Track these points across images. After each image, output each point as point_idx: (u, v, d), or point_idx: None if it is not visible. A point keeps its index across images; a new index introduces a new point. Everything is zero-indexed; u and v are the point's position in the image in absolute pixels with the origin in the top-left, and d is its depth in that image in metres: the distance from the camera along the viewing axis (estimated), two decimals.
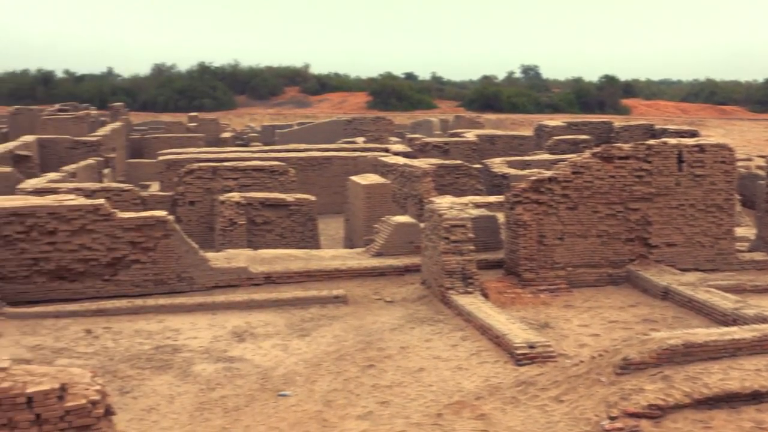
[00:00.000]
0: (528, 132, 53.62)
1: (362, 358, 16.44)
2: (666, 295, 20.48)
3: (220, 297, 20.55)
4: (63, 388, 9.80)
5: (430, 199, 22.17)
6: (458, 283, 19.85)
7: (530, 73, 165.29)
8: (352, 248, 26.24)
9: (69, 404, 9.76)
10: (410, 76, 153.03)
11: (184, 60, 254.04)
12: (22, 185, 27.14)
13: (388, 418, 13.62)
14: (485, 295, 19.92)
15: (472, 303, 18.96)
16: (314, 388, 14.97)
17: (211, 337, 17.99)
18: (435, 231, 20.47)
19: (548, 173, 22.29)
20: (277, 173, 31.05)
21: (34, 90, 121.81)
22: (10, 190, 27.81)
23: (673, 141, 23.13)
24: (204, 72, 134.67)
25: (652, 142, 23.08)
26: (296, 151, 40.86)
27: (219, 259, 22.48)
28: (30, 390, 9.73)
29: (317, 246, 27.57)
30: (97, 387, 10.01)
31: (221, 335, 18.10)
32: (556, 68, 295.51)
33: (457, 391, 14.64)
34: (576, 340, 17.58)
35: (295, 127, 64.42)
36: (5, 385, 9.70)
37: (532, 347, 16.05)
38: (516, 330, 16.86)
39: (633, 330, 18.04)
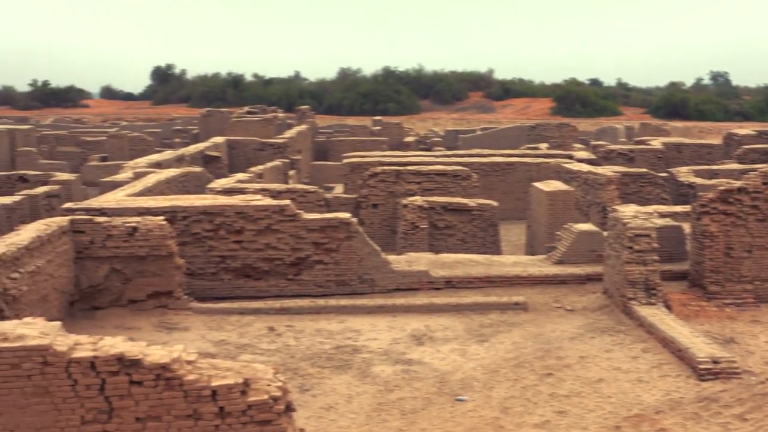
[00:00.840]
0: (716, 140, 51.98)
1: (541, 366, 16.25)
2: None
3: (400, 300, 20.65)
4: (246, 383, 10.02)
5: (614, 207, 21.72)
6: (641, 294, 19.40)
7: (719, 79, 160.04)
8: (533, 255, 25.96)
9: (251, 399, 9.97)
10: (595, 82, 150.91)
11: (369, 64, 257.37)
12: (211, 185, 27.88)
13: (565, 428, 13.42)
14: (668, 307, 19.39)
15: (654, 314, 18.49)
16: (491, 394, 14.88)
17: (391, 339, 18.09)
18: (618, 240, 20.06)
19: (737, 183, 21.50)
20: (459, 178, 31.03)
21: (224, 93, 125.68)
22: (201, 189, 28.65)
23: None
24: (389, 76, 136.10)
25: None
26: (479, 156, 40.73)
27: (400, 262, 22.60)
28: (215, 383, 9.99)
29: (498, 252, 27.41)
30: (279, 383, 10.19)
31: (400, 338, 18.19)
32: (746, 74, 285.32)
33: (636, 404, 14.31)
34: (762, 357, 16.90)
35: (479, 132, 64.39)
36: (191, 377, 9.98)
37: (716, 362, 15.54)
38: (699, 344, 16.34)
39: None
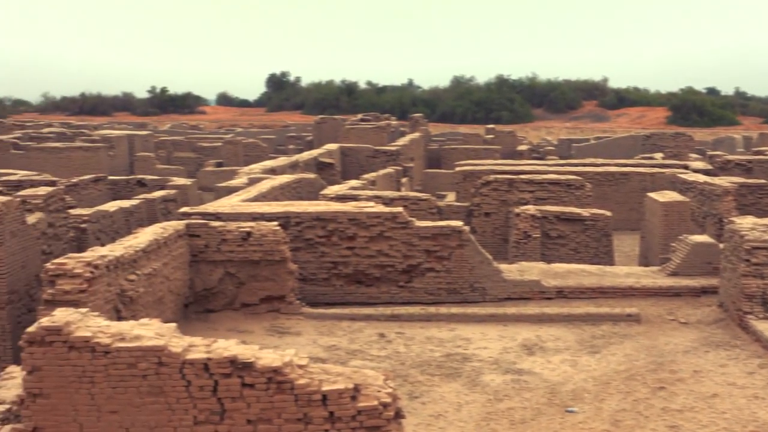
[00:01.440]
0: None
1: (653, 380, 15.96)
2: None
3: (511, 309, 20.53)
4: (356, 389, 10.06)
5: (731, 219, 21.25)
6: (758, 308, 18.92)
7: None
8: (647, 266, 25.55)
9: (361, 404, 10.00)
10: (712, 91, 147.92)
11: (482, 72, 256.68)
12: (325, 191, 28.08)
13: None
14: None
15: None
16: (602, 406, 14.68)
17: (501, 348, 17.99)
18: (735, 252, 19.61)
19: None
20: (573, 187, 30.74)
21: (338, 100, 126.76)
22: (314, 195, 28.91)
23: None
24: (502, 84, 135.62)
25: None
26: (593, 165, 40.28)
27: (512, 271, 22.47)
28: (325, 388, 10.05)
29: (611, 262, 27.06)
30: (389, 390, 10.21)
31: (511, 347, 18.07)
32: None
33: (752, 421, 13.95)
34: None
35: (592, 142, 63.69)
36: (303, 381, 10.07)
37: None
38: None
39: None
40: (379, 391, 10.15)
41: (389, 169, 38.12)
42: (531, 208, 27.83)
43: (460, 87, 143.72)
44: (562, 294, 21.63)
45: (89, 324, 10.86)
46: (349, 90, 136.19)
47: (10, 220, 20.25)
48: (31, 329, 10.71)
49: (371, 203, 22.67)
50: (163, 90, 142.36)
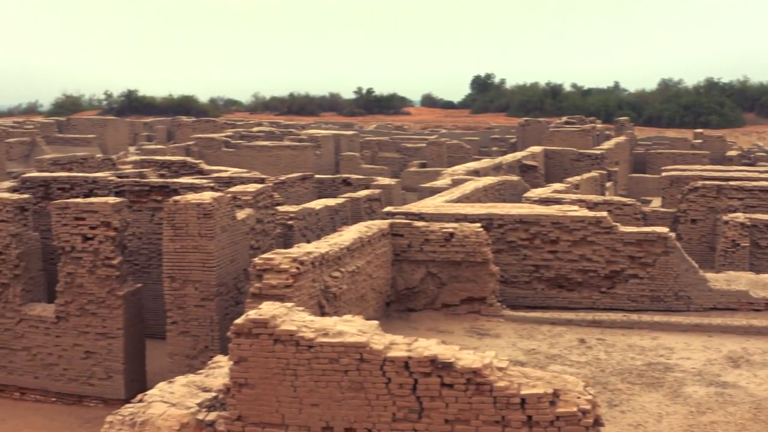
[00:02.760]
0: None
1: None
2: None
3: (716, 319, 19.93)
4: (556, 394, 10.01)
5: None
6: None
7: None
8: None
9: (560, 410, 9.95)
10: None
11: (691, 75, 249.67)
12: (528, 194, 27.96)
13: None
14: None
15: None
16: None
17: (705, 359, 17.50)
18: None
19: None
20: None
21: (542, 102, 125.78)
22: (517, 197, 28.84)
23: None
24: (711, 88, 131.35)
25: None
26: None
27: (718, 280, 21.80)
28: (524, 392, 10.04)
29: None
30: (589, 397, 10.11)
31: (715, 359, 17.55)
32: None
33: None
34: None
35: None
36: (502, 384, 10.08)
37: None
38: None
39: None
40: (578, 398, 10.06)
41: (593, 173, 37.62)
42: (740, 216, 26.93)
43: (668, 90, 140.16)
44: None
45: (294, 318, 11.19)
46: (553, 92, 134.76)
47: (221, 216, 21.07)
48: (239, 321, 11.12)
49: (575, 207, 22.47)
50: (369, 91, 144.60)
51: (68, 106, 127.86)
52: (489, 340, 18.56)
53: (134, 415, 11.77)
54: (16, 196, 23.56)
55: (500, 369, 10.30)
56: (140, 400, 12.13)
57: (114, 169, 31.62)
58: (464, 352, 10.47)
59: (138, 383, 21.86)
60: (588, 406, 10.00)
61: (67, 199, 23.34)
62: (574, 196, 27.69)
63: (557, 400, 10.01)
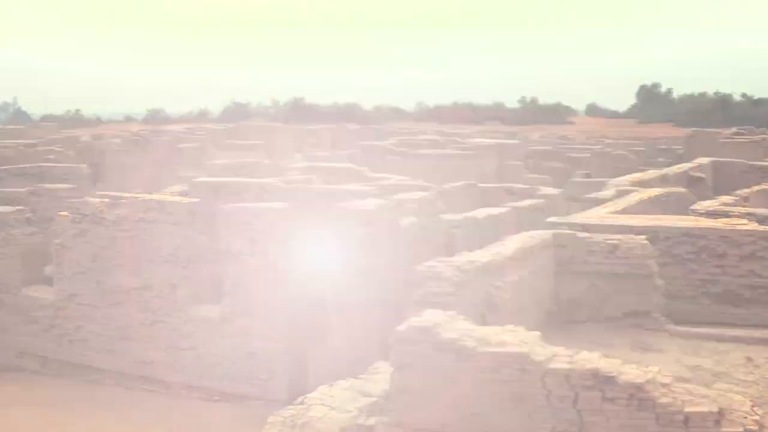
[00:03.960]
0: None
1: None
2: None
3: None
4: (720, 413, 9.81)
5: None
6: None
7: None
8: None
9: (725, 429, 9.75)
10: None
11: None
12: (694, 206, 27.33)
13: None
14: None
15: None
16: None
17: None
18: None
19: None
20: None
21: (710, 112, 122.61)
22: (683, 210, 28.21)
23: None
24: None
25: None
26: None
27: None
28: (688, 409, 9.87)
29: None
30: (756, 417, 9.89)
31: None
32: None
33: None
34: None
35: None
36: (665, 400, 9.94)
37: None
38: None
39: None
40: (745, 417, 9.84)
41: (764, 186, 36.48)
42: None
43: None
44: None
45: (456, 326, 11.26)
46: (722, 102, 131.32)
47: (384, 223, 21.32)
48: (401, 328, 11.26)
49: (744, 220, 21.89)
50: (533, 100, 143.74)
51: (237, 112, 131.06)
52: (652, 354, 18.23)
53: (295, 416, 12.05)
54: (186, 199, 24.37)
55: (664, 385, 10.15)
56: (301, 402, 12.41)
57: (281, 175, 32.32)
58: (627, 367, 10.36)
59: (299, 385, 22.27)
60: (755, 427, 9.77)
61: (236, 203, 23.97)
62: (743, 210, 26.93)
63: (722, 419, 9.80)
